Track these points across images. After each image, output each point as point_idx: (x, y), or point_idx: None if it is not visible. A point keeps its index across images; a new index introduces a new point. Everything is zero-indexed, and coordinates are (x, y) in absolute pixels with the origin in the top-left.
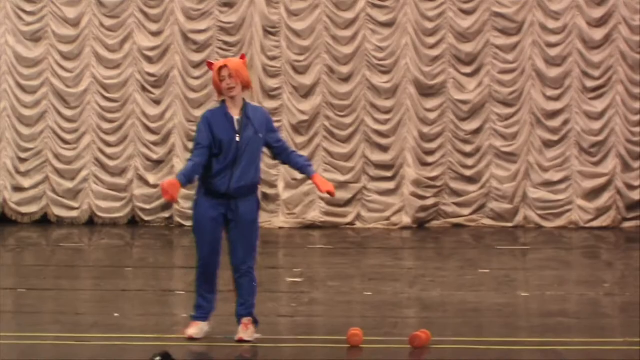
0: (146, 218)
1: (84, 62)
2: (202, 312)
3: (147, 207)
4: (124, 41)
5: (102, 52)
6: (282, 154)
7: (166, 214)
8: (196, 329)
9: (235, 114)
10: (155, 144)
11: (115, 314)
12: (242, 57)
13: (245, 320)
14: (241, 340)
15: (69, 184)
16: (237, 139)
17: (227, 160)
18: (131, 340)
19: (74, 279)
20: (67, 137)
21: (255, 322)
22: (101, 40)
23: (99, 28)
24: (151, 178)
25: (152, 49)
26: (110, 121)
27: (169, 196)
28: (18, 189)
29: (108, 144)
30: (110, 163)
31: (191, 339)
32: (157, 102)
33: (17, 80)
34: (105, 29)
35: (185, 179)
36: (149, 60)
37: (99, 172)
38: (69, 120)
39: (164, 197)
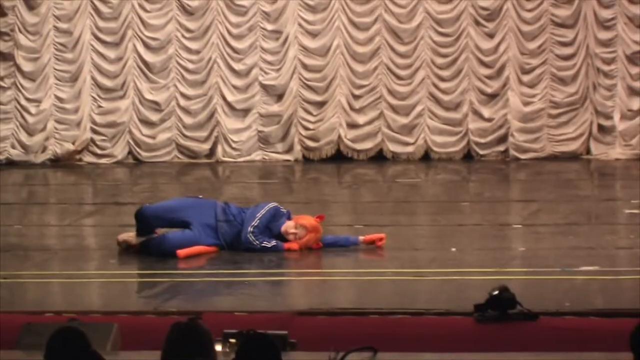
0: (481, 152)
1: None
2: None
3: (482, 141)
4: None
5: None
6: None
7: (501, 148)
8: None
9: None
10: (489, 77)
11: (453, 249)
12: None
13: None
14: None
15: (403, 120)
16: None
17: None
18: (470, 275)
19: (411, 215)
20: (401, 72)
21: None
22: None
23: None
24: (486, 112)
25: None
26: (444, 56)
27: None
28: (353, 125)
29: (442, 79)
30: (445, 97)
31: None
32: (490, 36)
33: (350, 17)
34: None
35: None
36: None
37: (433, 107)
38: (402, 56)
39: None
